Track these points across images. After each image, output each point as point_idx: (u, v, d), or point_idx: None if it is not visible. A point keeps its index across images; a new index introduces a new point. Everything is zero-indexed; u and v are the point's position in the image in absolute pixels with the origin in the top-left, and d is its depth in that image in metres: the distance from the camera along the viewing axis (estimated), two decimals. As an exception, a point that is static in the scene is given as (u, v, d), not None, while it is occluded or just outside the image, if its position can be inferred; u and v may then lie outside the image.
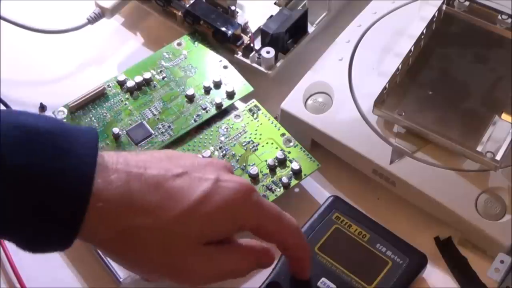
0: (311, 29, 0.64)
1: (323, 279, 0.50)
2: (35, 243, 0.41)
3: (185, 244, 0.43)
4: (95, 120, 0.59)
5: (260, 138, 0.58)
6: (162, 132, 0.58)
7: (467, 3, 0.61)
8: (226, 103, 0.60)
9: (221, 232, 0.44)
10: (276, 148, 0.58)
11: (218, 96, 0.60)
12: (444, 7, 0.61)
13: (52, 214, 0.39)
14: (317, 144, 0.59)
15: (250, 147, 0.58)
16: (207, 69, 0.62)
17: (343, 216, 0.53)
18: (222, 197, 0.43)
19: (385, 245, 0.52)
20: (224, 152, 0.57)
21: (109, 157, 0.42)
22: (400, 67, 0.58)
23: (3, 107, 0.61)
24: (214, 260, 0.44)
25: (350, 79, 0.60)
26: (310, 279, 0.50)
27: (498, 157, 0.53)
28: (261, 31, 0.62)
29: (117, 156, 0.42)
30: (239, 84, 0.61)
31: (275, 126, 0.59)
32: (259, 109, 0.60)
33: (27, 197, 0.39)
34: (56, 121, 0.42)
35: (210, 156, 0.57)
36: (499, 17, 0.61)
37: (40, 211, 0.39)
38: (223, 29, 0.62)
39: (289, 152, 0.57)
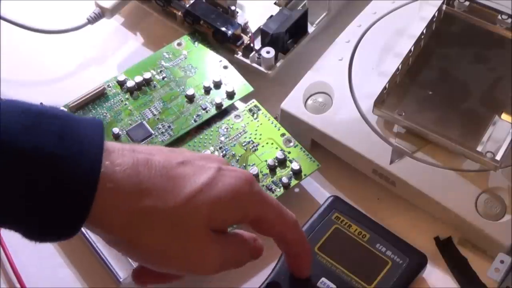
0: (311, 29, 0.64)
1: (323, 279, 0.50)
2: (43, 228, 0.40)
3: (195, 228, 0.43)
4: (95, 120, 0.59)
5: (260, 138, 0.58)
6: (162, 132, 0.58)
7: (467, 3, 0.61)
8: (226, 103, 0.60)
9: (228, 219, 0.45)
10: (276, 148, 0.58)
11: (218, 96, 0.60)
12: (444, 7, 0.61)
13: (61, 195, 0.39)
14: (317, 144, 0.59)
15: (250, 147, 0.58)
16: (207, 69, 0.62)
17: (343, 216, 0.53)
18: (228, 183, 0.44)
19: (385, 245, 0.52)
20: (224, 152, 0.58)
21: (114, 144, 0.43)
22: (400, 67, 0.58)
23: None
24: (223, 246, 0.44)
25: (350, 79, 0.60)
26: (310, 279, 0.50)
27: (498, 157, 0.53)
28: (261, 31, 0.62)
29: (122, 145, 0.43)
30: (239, 84, 0.61)
31: (275, 126, 0.59)
32: (259, 109, 0.60)
33: (35, 180, 0.39)
34: (60, 109, 0.42)
35: (210, 156, 0.57)
36: (499, 17, 0.60)
37: (50, 193, 0.39)
38: (223, 29, 0.62)
39: (289, 152, 0.57)
